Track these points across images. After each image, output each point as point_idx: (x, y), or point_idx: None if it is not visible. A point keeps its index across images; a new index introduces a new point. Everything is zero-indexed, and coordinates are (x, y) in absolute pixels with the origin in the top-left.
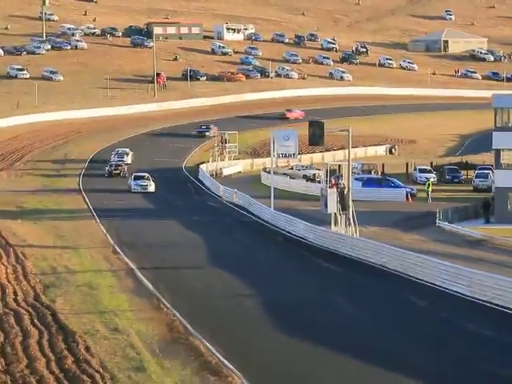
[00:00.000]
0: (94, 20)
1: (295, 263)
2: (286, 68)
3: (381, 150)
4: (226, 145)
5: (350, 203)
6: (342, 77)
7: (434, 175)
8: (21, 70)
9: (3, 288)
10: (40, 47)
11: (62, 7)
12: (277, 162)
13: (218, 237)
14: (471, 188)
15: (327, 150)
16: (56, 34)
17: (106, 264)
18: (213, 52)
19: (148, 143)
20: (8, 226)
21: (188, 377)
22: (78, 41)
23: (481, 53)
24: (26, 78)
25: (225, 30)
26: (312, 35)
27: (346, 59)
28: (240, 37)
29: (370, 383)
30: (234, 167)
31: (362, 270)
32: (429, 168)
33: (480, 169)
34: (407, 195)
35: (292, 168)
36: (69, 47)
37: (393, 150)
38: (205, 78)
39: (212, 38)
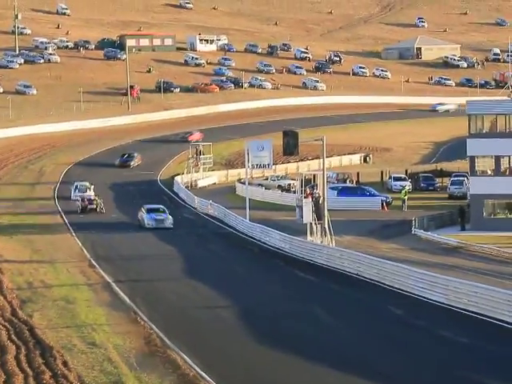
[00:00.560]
0: (67, 33)
1: (271, 274)
2: (260, 78)
3: (355, 159)
4: (201, 156)
5: (326, 213)
6: (315, 86)
7: (408, 183)
8: None
9: None
10: (13, 61)
11: (34, 21)
12: (251, 172)
13: (193, 248)
14: (446, 195)
15: (302, 160)
16: (29, 47)
17: (82, 278)
18: (186, 63)
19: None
20: None
21: None
22: (51, 54)
23: (454, 59)
24: None
25: (198, 41)
26: (285, 45)
27: (319, 68)
28: (213, 47)
29: None
30: (208, 179)
31: (338, 280)
32: (404, 176)
33: (455, 176)
34: (382, 204)
35: (267, 178)
36: (42, 61)
37: (367, 159)
38: (178, 89)
39: (185, 49)
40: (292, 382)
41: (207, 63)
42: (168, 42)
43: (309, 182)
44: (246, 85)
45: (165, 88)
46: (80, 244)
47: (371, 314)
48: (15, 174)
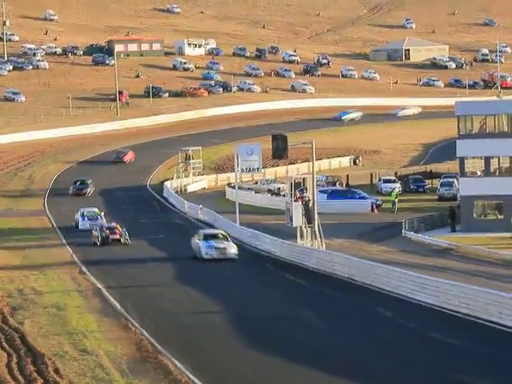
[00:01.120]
0: (55, 39)
1: (262, 278)
2: (248, 82)
3: (345, 162)
4: (190, 161)
5: (316, 216)
6: (304, 89)
7: (398, 185)
8: None
9: None
10: (1, 68)
11: (22, 27)
12: (241, 176)
13: (183, 254)
14: (436, 197)
15: (291, 164)
16: (17, 54)
17: (73, 284)
18: (174, 68)
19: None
20: None
21: None
22: (39, 61)
23: (442, 60)
24: None
25: (186, 45)
26: (273, 48)
27: (307, 71)
28: (201, 52)
29: None
30: (198, 183)
31: (328, 283)
32: (393, 178)
33: (445, 177)
34: (372, 206)
35: (256, 182)
36: (30, 67)
37: (357, 161)
38: (167, 94)
39: (173, 53)
40: None
41: (195, 67)
42: (156, 46)
43: (298, 186)
44: (234, 88)
45: (153, 93)
46: (70, 251)
47: (362, 317)
48: (5, 182)
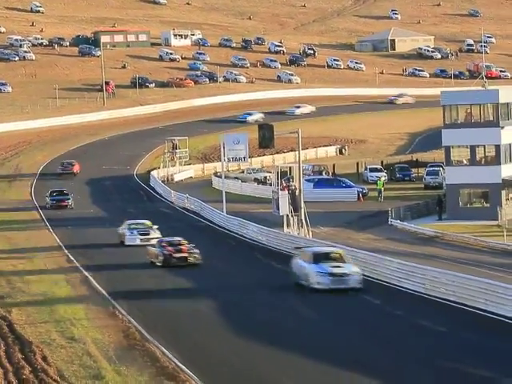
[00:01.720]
0: (42, 31)
1: (248, 266)
2: (234, 72)
3: (331, 151)
4: (177, 150)
5: (302, 205)
6: (290, 79)
7: (384, 174)
8: None
9: None
10: None
11: (8, 19)
12: (227, 166)
13: None
14: (422, 186)
15: (277, 153)
16: (3, 45)
17: (60, 273)
18: (161, 59)
19: (97, 152)
20: None
21: (145, 383)
22: (25, 52)
23: (428, 51)
24: None
25: (172, 36)
26: (259, 39)
27: (293, 62)
28: (187, 42)
29: (327, 383)
30: (185, 173)
31: None
32: (379, 167)
33: (430, 166)
34: (359, 195)
35: (243, 171)
36: (17, 58)
37: (343, 151)
38: (153, 84)
39: (159, 44)
40: (270, 372)
41: (182, 58)
42: (142, 37)
43: (285, 175)
44: (220, 79)
45: (140, 83)
46: (58, 239)
47: (349, 304)
48: None
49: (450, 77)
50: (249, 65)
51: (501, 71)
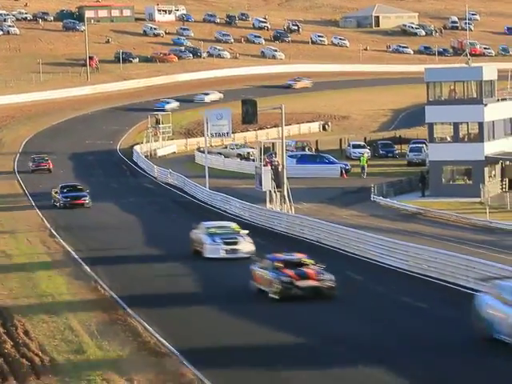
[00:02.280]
0: (26, 5)
1: None
2: (218, 48)
3: (314, 127)
4: (160, 126)
5: (285, 180)
6: (274, 55)
7: (367, 150)
8: None
9: None
10: None
11: None
12: (210, 141)
13: (154, 218)
14: (405, 162)
15: (261, 129)
16: None
17: (43, 248)
18: (145, 34)
19: (81, 126)
20: None
21: (127, 357)
22: (9, 26)
23: (412, 27)
24: None
25: (156, 11)
26: (243, 14)
27: (277, 38)
28: (171, 18)
29: (309, 359)
30: (168, 148)
31: (298, 247)
32: (362, 143)
33: (413, 143)
34: (342, 171)
35: (226, 147)
36: (1, 33)
37: (326, 127)
38: (137, 59)
39: (143, 19)
40: (254, 347)
41: (166, 33)
42: (126, 12)
43: (268, 150)
44: (204, 54)
45: (124, 58)
46: (40, 214)
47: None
48: None
49: (434, 54)
50: (233, 40)
51: (485, 48)
